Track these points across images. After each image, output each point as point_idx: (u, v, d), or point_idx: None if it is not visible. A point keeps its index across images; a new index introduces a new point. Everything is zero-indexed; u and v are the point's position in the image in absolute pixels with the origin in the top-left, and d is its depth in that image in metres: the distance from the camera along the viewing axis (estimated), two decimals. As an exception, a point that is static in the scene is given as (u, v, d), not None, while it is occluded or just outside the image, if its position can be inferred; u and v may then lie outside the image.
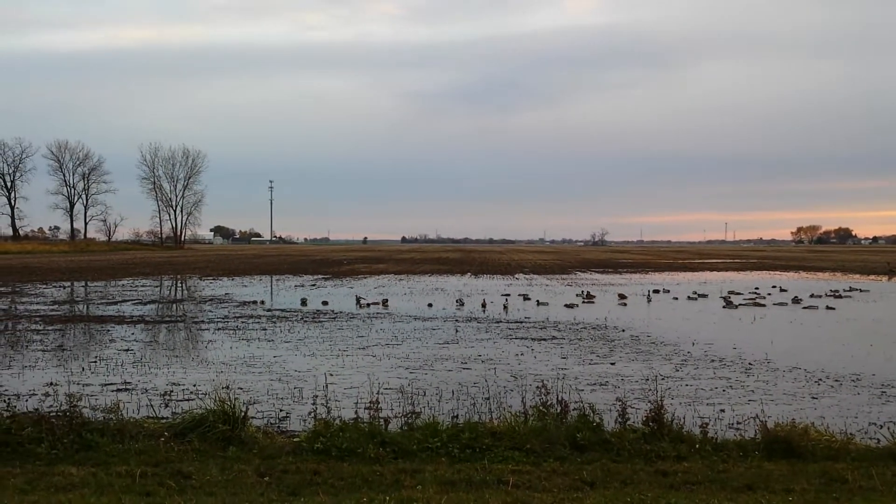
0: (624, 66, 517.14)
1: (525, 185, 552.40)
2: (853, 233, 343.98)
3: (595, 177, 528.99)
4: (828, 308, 33.88)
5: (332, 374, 16.84)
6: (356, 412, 12.11)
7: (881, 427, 12.64)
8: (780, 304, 35.86)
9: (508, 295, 39.34)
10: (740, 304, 35.38)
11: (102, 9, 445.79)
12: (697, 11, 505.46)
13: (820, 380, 16.71)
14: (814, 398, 14.92)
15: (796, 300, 37.08)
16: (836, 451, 10.50)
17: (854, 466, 9.81)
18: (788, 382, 16.45)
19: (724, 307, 34.19)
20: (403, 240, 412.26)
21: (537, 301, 35.72)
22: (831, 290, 43.71)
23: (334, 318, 29.13)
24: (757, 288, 47.03)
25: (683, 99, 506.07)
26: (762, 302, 36.56)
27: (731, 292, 42.22)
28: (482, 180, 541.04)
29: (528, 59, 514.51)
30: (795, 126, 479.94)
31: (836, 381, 16.61)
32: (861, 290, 44.88)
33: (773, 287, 47.51)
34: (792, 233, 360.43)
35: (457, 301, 35.75)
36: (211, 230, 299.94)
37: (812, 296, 40.01)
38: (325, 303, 35.24)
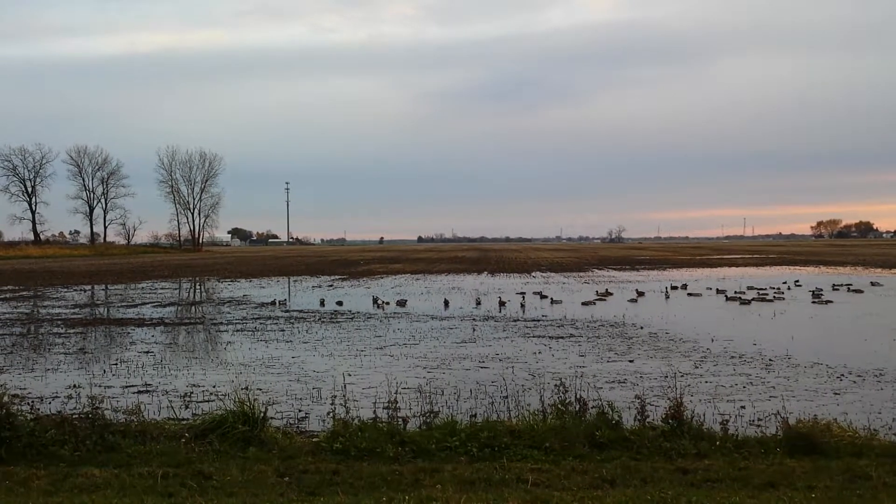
0: (642, 62, 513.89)
1: (541, 182, 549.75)
2: (874, 226, 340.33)
3: (612, 173, 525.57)
4: (827, 302, 33.66)
5: (350, 375, 16.89)
6: (375, 412, 12.12)
7: (905, 423, 12.55)
8: (778, 297, 35.63)
9: (525, 293, 39.28)
10: (752, 300, 35.19)
11: (123, 15, 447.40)
12: (715, 6, 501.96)
13: (842, 375, 16.59)
14: (836, 394, 14.81)
15: (816, 294, 36.85)
16: (860, 447, 10.40)
17: (878, 463, 9.72)
18: (810, 378, 16.34)
19: (740, 304, 33.98)
20: (420, 239, 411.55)
21: (551, 299, 35.65)
22: (851, 285, 43.45)
23: (352, 318, 29.20)
24: (785, 282, 46.90)
25: (701, 95, 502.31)
26: (768, 297, 36.41)
27: (750, 288, 42.00)
28: (498, 179, 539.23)
29: (545, 57, 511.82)
30: (814, 119, 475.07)
31: (859, 376, 16.49)
32: (879, 285, 44.56)
33: (797, 282, 47.16)
34: (812, 227, 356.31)
35: (474, 300, 35.75)
36: (228, 232, 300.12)
37: (818, 289, 39.76)
38: (339, 303, 35.36)
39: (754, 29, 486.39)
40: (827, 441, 10.43)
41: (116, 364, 19.12)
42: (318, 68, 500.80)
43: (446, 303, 34.51)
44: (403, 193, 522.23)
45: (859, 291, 39.77)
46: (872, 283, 45.02)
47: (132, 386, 16.23)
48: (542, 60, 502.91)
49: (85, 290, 48.13)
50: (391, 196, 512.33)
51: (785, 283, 46.46)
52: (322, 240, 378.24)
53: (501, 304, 33.48)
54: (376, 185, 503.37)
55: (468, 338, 23.24)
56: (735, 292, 38.76)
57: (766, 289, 41.13)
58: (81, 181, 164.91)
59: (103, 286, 52.67)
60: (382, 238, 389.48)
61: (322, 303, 35.45)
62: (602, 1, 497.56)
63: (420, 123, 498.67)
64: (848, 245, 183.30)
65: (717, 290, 40.78)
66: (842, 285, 42.87)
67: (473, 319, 28.27)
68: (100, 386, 15.99)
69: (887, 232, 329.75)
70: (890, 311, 30.82)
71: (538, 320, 27.74)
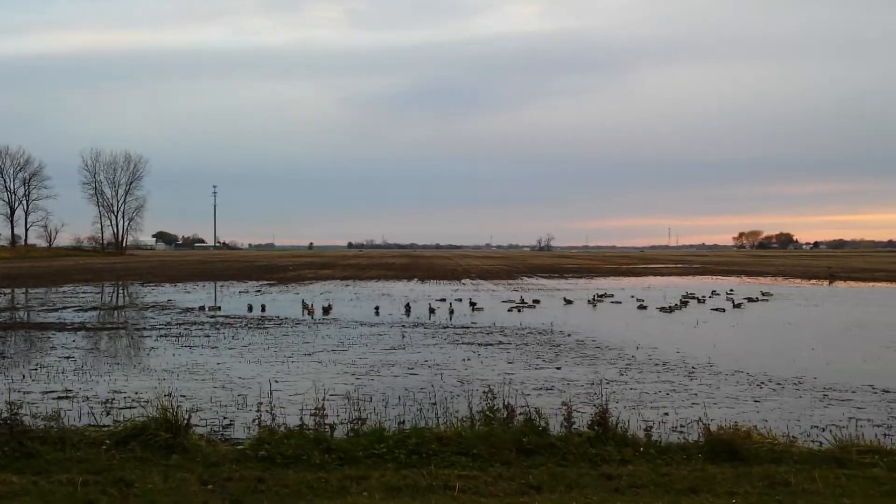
0: (569, 71, 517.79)
1: (472, 189, 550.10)
2: (794, 238, 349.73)
3: (542, 181, 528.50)
4: (732, 311, 34.56)
5: (276, 381, 16.68)
6: (301, 419, 11.99)
7: (823, 430, 12.91)
8: (701, 303, 36.51)
9: (451, 300, 39.32)
10: (673, 308, 35.93)
11: (42, 15, 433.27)
12: (638, 19, 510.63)
13: (762, 383, 17.02)
14: (756, 401, 15.19)
15: (736, 304, 37.83)
16: (779, 453, 10.64)
17: (797, 469, 9.95)
18: (731, 386, 16.73)
19: (661, 312, 34.62)
20: (350, 245, 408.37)
21: (477, 306, 35.78)
22: (765, 294, 44.93)
23: (279, 324, 28.88)
24: (715, 291, 48.24)
25: (627, 106, 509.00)
26: (688, 305, 37.31)
27: (685, 295, 42.86)
28: (429, 185, 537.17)
29: (476, 64, 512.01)
30: (735, 130, 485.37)
31: (779, 384, 16.93)
32: (770, 295, 45.97)
33: (730, 291, 48.39)
34: (734, 238, 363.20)
35: (404, 307, 35.68)
36: (153, 236, 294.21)
37: (732, 295, 40.86)
38: (263, 308, 34.93)
39: (677, 40, 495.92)
40: (747, 448, 10.66)
41: (36, 369, 18.56)
42: (244, 71, 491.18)
43: (376, 309, 34.39)
44: (333, 199, 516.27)
45: (759, 300, 40.80)
46: (764, 293, 46.19)
47: (52, 392, 15.77)
48: (472, 68, 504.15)
49: (4, 294, 46.68)
50: (321, 201, 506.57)
51: (715, 291, 47.76)
52: (250, 244, 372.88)
53: (431, 310, 33.50)
54: (306, 190, 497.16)
55: (397, 344, 23.20)
56: (639, 298, 39.59)
57: (687, 299, 41.93)
58: (2, 182, 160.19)
59: (23, 289, 51.13)
60: (312, 244, 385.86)
61: (250, 308, 35.01)
62: (530, 11, 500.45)
63: (350, 128, 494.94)
64: (769, 256, 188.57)
65: (642, 300, 41.38)
66: (758, 295, 44.10)
67: (403, 326, 28.23)
68: (18, 391, 15.50)
69: (806, 243, 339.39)
70: (809, 320, 31.74)
71: (467, 327, 27.84)
